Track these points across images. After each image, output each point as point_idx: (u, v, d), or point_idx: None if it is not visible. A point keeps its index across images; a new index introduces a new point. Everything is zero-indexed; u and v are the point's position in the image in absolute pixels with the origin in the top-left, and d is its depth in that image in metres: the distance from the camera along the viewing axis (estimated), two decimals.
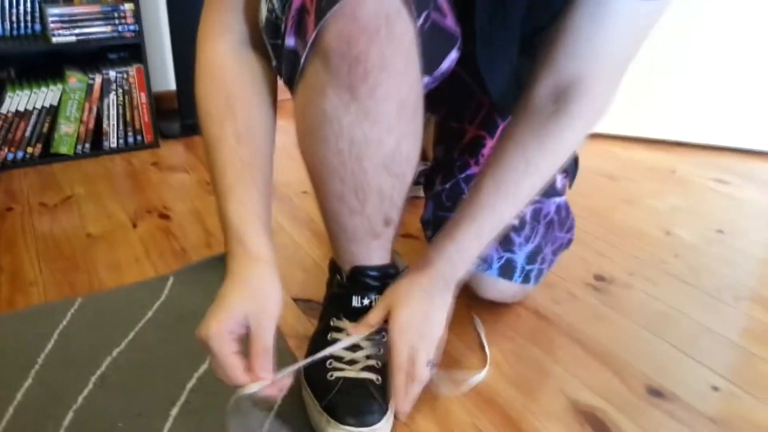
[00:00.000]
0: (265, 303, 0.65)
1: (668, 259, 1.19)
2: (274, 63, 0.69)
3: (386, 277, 0.78)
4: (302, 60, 0.63)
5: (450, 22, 0.69)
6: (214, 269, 1.10)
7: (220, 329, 0.62)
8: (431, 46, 0.66)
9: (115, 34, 1.62)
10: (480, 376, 0.85)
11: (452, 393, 0.82)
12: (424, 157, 1.29)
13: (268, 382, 0.63)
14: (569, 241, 1.00)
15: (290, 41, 0.63)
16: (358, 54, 0.59)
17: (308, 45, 0.61)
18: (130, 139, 1.71)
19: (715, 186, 1.54)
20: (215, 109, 0.70)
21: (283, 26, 0.63)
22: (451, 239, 0.75)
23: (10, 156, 1.58)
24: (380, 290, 0.78)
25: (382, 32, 0.58)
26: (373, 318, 0.75)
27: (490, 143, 0.93)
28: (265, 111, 0.72)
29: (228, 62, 0.71)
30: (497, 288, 0.94)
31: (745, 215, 1.39)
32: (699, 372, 0.88)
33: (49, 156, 1.62)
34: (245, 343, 0.64)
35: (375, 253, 0.76)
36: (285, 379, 0.65)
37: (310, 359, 0.73)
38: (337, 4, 0.57)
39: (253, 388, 0.62)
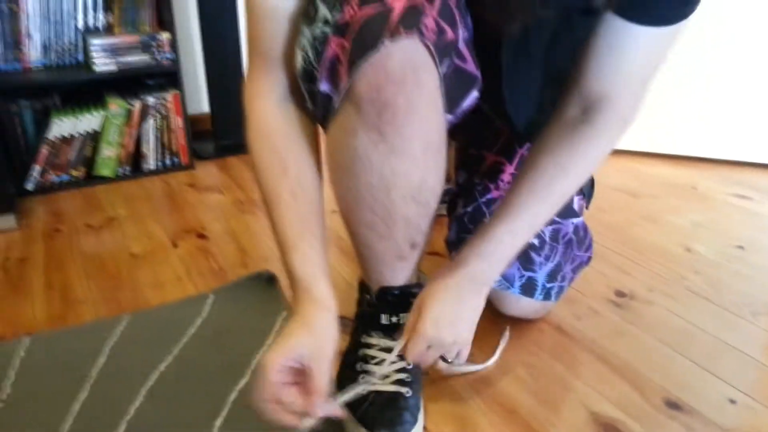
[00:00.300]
0: (324, 344, 0.70)
1: (688, 275, 1.22)
2: (309, 105, 0.75)
3: (411, 296, 0.83)
4: (335, 104, 0.70)
5: (470, 65, 0.75)
6: (251, 288, 1.17)
7: (278, 359, 0.68)
8: (454, 88, 0.72)
9: (153, 62, 1.71)
10: (479, 366, 0.91)
11: (448, 371, 0.89)
12: (448, 179, 1.35)
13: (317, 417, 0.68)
14: (588, 259, 1.05)
15: (324, 87, 0.69)
16: (387, 100, 0.65)
17: (341, 91, 0.67)
18: (168, 161, 1.80)
19: (735, 201, 1.57)
20: (269, 170, 0.76)
21: (317, 73, 0.69)
22: (485, 239, 0.77)
23: (56, 179, 1.67)
24: (407, 308, 0.83)
25: (409, 81, 0.64)
26: (410, 323, 0.78)
27: (509, 169, 0.99)
28: (313, 165, 0.78)
29: (276, 121, 0.77)
30: (519, 305, 0.99)
31: (765, 231, 1.41)
32: (716, 386, 0.92)
33: (92, 178, 1.71)
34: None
35: (401, 274, 0.82)
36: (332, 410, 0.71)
37: (352, 392, 0.77)
38: (368, 57, 0.63)
39: (308, 423, 0.67)
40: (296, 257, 0.74)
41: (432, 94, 0.69)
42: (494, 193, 0.97)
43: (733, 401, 0.88)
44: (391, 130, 0.68)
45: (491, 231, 0.78)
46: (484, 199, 0.97)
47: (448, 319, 0.77)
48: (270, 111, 0.77)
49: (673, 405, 0.88)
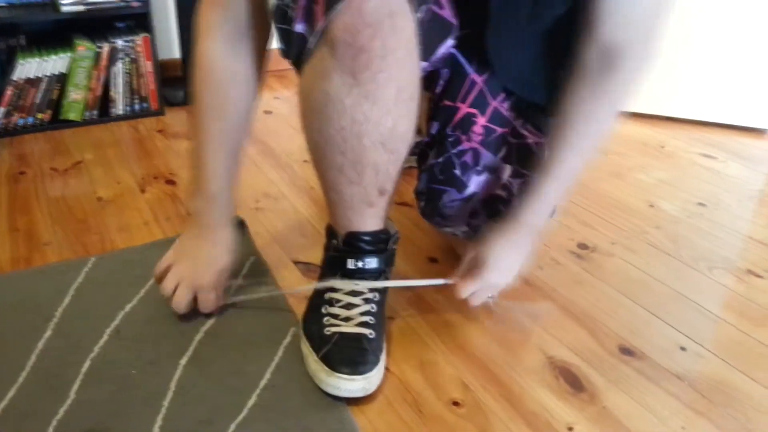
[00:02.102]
0: (230, 257, 0.94)
1: (650, 230, 1.25)
2: (281, 46, 0.75)
3: (379, 241, 0.85)
4: (310, 45, 0.69)
5: (447, 12, 0.75)
6: None
7: (213, 280, 0.90)
8: (429, 34, 0.72)
9: (122, 4, 1.66)
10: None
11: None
12: (418, 130, 1.35)
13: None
14: (553, 212, 1.06)
15: (299, 27, 0.69)
16: (362, 45, 0.64)
17: (316, 33, 0.67)
18: (137, 107, 1.76)
19: (701, 161, 1.60)
20: (207, 111, 0.86)
21: (292, 13, 0.68)
22: (537, 198, 0.85)
23: (21, 122, 1.63)
24: (373, 253, 0.84)
25: (385, 26, 0.64)
26: (467, 265, 0.87)
27: (481, 121, 0.99)
28: (248, 104, 0.88)
29: (219, 61, 0.83)
30: None
31: (727, 190, 1.45)
32: (668, 333, 0.95)
33: (58, 122, 1.68)
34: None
35: (369, 220, 0.83)
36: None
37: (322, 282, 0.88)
38: None
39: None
40: (208, 164, 0.87)
41: (408, 39, 0.68)
42: (465, 145, 0.97)
43: (683, 348, 0.92)
44: (365, 75, 0.68)
45: (541, 189, 0.85)
46: (455, 151, 0.98)
47: (509, 268, 0.87)
48: (215, 50, 0.83)
49: (627, 351, 0.91)
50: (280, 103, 1.87)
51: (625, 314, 0.99)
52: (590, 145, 0.84)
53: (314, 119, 0.74)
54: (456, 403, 0.81)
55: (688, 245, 1.20)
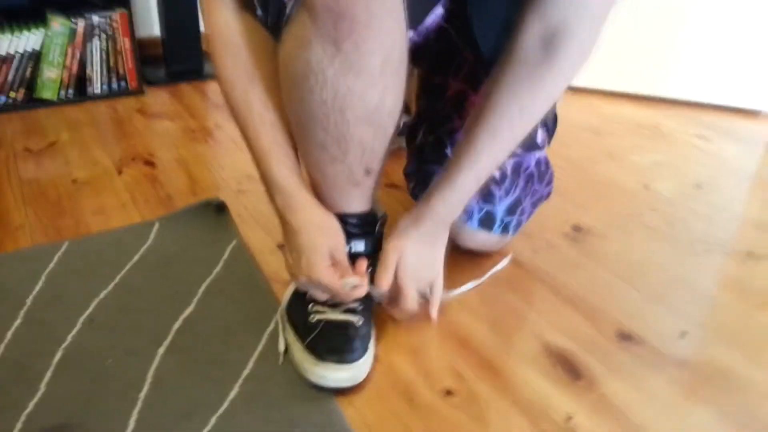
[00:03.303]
0: (337, 235, 0.77)
1: (645, 212, 1.22)
2: (259, 12, 0.69)
3: (366, 224, 0.80)
4: (288, 10, 0.64)
5: None
6: (199, 215, 1.12)
7: (325, 268, 0.74)
8: (417, 1, 0.67)
9: None
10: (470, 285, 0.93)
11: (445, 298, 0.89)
12: (406, 109, 1.30)
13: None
14: (548, 194, 1.03)
15: None
16: (344, 10, 0.59)
17: None
18: (115, 86, 1.70)
19: (697, 142, 1.57)
20: (236, 79, 0.75)
21: None
22: (450, 185, 0.78)
23: None
24: (361, 237, 0.80)
25: None
26: (383, 273, 0.79)
27: (473, 98, 0.94)
28: (277, 74, 0.75)
29: (237, 30, 0.75)
30: (477, 238, 0.97)
31: (723, 171, 1.42)
32: (668, 318, 0.92)
33: (33, 101, 1.61)
34: None
35: (355, 201, 0.78)
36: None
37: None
38: None
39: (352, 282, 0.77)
40: (273, 165, 0.75)
41: (394, 5, 0.63)
42: (457, 123, 0.93)
43: (683, 333, 0.89)
44: (348, 44, 0.62)
45: (455, 177, 0.78)
46: (446, 129, 0.93)
47: (424, 265, 0.80)
48: (230, 20, 0.74)
49: (625, 336, 0.88)
50: None
51: (622, 298, 0.96)
52: (517, 138, 0.78)
53: (295, 92, 0.69)
54: (449, 393, 0.77)
55: (684, 227, 1.17)
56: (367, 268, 0.80)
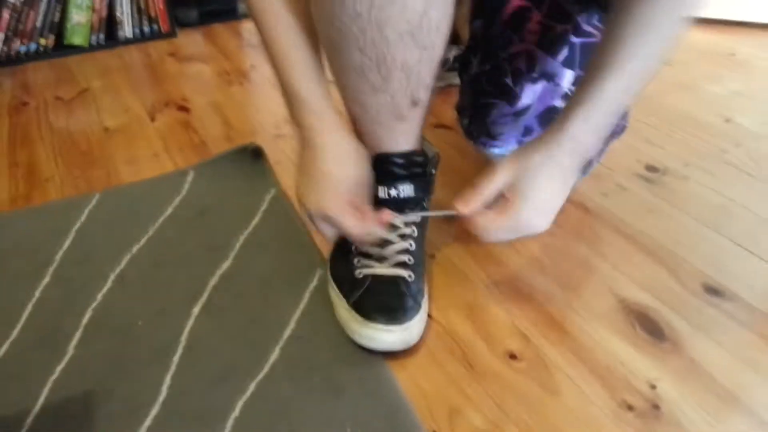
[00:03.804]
0: (362, 168, 0.66)
1: (728, 148, 1.08)
2: None
3: (414, 164, 0.70)
4: None
5: None
6: (235, 162, 1.04)
7: (341, 201, 0.64)
8: None
9: None
10: None
11: None
12: (456, 40, 1.17)
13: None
14: (623, 128, 0.90)
15: None
16: None
17: None
18: (146, 29, 1.62)
19: None
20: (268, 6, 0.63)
21: None
22: (595, 102, 0.61)
23: (23, 48, 1.51)
24: (407, 179, 0.70)
25: None
26: (489, 189, 0.64)
27: (536, 17, 0.82)
28: None
29: None
30: None
31: None
32: (761, 268, 0.80)
33: (63, 48, 1.54)
34: None
35: (401, 138, 0.68)
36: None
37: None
38: None
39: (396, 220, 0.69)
40: (293, 72, 0.63)
41: None
42: (517, 47, 0.81)
43: None
44: None
45: (600, 91, 0.61)
46: (505, 54, 0.81)
47: (551, 208, 0.65)
48: None
49: (713, 290, 0.77)
50: None
51: (707, 247, 0.84)
52: (667, 42, 0.61)
53: (324, 4, 0.58)
54: (513, 356, 0.69)
55: None
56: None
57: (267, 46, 0.65)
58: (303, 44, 0.64)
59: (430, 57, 0.62)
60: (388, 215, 0.69)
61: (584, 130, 0.63)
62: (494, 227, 0.64)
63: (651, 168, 1.02)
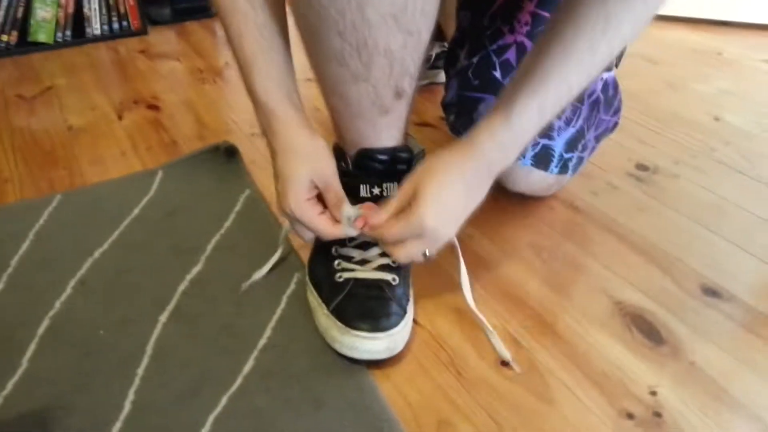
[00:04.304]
0: (322, 162, 0.62)
1: (718, 146, 1.06)
2: None
3: (398, 161, 0.65)
4: None
5: None
6: (208, 162, 0.99)
7: (300, 199, 0.61)
8: None
9: None
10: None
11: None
12: (440, 36, 1.14)
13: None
14: (615, 125, 0.87)
15: None
16: None
17: None
18: (116, 26, 1.55)
19: (766, 68, 1.38)
20: None
21: None
22: (505, 116, 0.58)
23: None
24: (392, 177, 0.66)
25: None
26: (398, 201, 0.61)
27: (529, 6, 0.78)
28: None
29: None
30: (530, 180, 0.81)
31: None
32: (758, 268, 0.77)
33: (27, 45, 1.47)
34: None
35: (385, 132, 0.64)
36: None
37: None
38: None
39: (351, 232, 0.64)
40: (256, 77, 0.61)
41: None
42: (508, 39, 0.77)
43: None
44: None
45: (514, 107, 0.58)
46: (494, 47, 0.77)
47: (452, 213, 0.61)
48: None
49: (711, 291, 0.74)
50: None
51: (702, 246, 0.81)
52: (599, 64, 0.58)
53: None
54: (505, 364, 0.64)
55: (764, 162, 1.01)
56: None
57: (232, 47, 0.62)
58: (268, 47, 0.61)
59: (415, 43, 0.57)
60: (360, 221, 0.63)
61: (492, 148, 0.60)
62: (396, 235, 0.60)
63: (641, 166, 0.99)
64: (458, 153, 0.61)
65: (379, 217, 0.61)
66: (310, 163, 0.62)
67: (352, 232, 0.63)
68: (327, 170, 0.62)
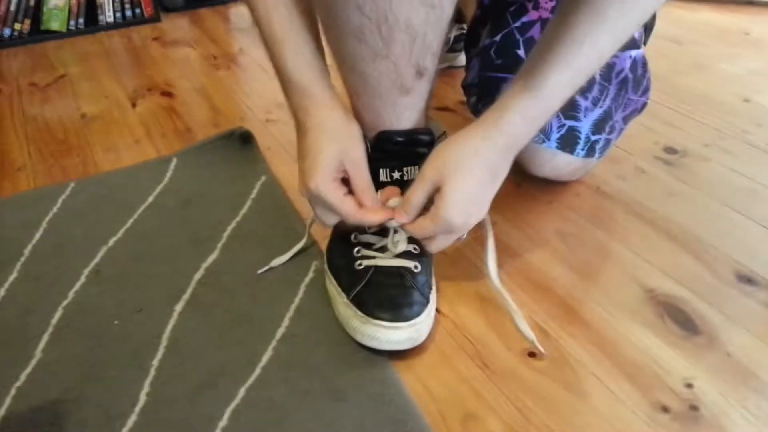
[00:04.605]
0: (353, 144, 0.60)
1: (749, 128, 1.02)
2: None
3: (419, 144, 0.63)
4: None
5: None
6: (222, 148, 0.97)
7: (328, 178, 0.59)
8: None
9: None
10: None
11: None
12: (461, 18, 1.10)
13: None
14: (644, 106, 0.83)
15: None
16: None
17: None
18: (128, 13, 1.53)
19: None
20: None
21: None
22: (534, 88, 0.55)
23: None
24: (413, 161, 0.63)
25: None
26: (418, 194, 0.59)
27: None
28: None
29: None
30: (554, 164, 0.78)
31: None
32: None
33: (39, 33, 1.46)
34: None
35: (405, 113, 0.61)
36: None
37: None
38: None
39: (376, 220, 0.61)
40: (287, 54, 0.59)
41: None
42: (533, 15, 0.74)
43: None
44: None
45: (543, 78, 0.54)
46: (518, 24, 0.74)
47: (479, 201, 0.59)
48: None
49: (747, 279, 0.70)
50: None
51: (736, 232, 0.78)
52: (628, 28, 0.54)
53: None
54: (532, 354, 0.62)
55: None
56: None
57: (260, 27, 0.59)
58: (299, 25, 0.58)
59: (437, 18, 0.54)
60: (392, 191, 0.62)
61: (519, 123, 0.56)
62: (428, 233, 0.60)
63: (670, 150, 0.95)
64: (482, 134, 0.58)
65: (407, 217, 0.60)
66: (342, 143, 0.59)
67: (377, 220, 0.61)
68: (357, 153, 0.60)
